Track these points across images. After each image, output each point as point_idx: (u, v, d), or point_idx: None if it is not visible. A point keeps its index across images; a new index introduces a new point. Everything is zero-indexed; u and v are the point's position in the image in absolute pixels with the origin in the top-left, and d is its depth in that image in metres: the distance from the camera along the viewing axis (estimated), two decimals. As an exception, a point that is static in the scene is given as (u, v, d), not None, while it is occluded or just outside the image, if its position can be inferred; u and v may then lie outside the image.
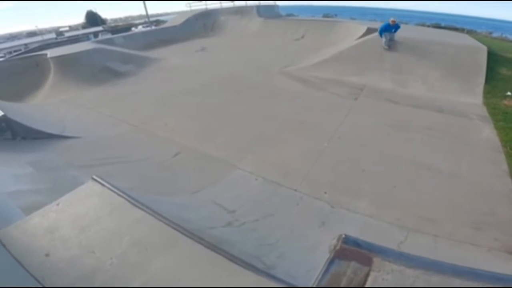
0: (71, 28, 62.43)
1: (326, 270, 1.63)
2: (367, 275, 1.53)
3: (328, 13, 26.90)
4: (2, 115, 4.90)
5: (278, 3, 20.05)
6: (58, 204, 2.58)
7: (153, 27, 23.05)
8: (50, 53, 10.48)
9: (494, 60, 8.33)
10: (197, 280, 1.88)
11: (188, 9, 21.74)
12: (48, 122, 6.02)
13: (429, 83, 7.28)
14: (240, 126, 5.61)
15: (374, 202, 3.49)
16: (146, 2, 30.16)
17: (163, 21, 25.33)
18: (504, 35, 20.83)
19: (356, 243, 1.75)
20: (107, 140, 5.48)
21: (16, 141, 4.95)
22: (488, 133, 5.10)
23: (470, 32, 17.43)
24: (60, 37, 37.12)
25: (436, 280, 1.43)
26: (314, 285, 1.55)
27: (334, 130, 5.17)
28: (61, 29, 59.26)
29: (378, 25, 12.91)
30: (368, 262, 1.60)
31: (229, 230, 3.12)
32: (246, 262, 1.97)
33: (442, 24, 21.88)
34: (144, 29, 22.96)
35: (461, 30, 18.53)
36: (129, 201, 2.46)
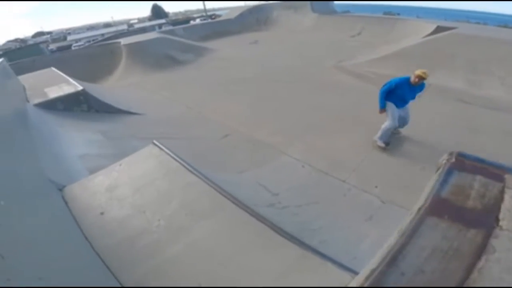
0: (139, 20, 68.90)
1: (444, 180, 1.32)
2: (502, 191, 1.22)
3: (390, 11, 24.99)
4: (81, 89, 5.60)
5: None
6: (120, 165, 2.80)
7: (209, 20, 24.09)
8: (123, 41, 11.70)
9: None
10: (240, 247, 1.86)
11: (243, 3, 22.25)
12: (117, 100, 6.73)
13: (509, 84, 6.34)
14: (290, 115, 5.59)
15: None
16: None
17: (219, 15, 26.32)
18: None
19: (477, 158, 1.41)
20: (165, 118, 5.94)
21: (90, 113, 5.59)
22: None
23: None
24: (131, 28, 41.19)
25: None
26: (427, 204, 1.28)
27: (392, 126, 4.82)
28: (131, 21, 65.64)
29: (448, 24, 11.31)
30: (499, 178, 1.27)
31: (272, 210, 3.09)
32: (292, 235, 1.90)
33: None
34: (201, 22, 24.14)
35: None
36: (183, 166, 2.56)
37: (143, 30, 25.78)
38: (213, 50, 12.36)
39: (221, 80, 8.27)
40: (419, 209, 1.27)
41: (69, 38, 47.04)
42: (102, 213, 2.20)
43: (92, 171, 2.87)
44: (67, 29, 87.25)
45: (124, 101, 6.70)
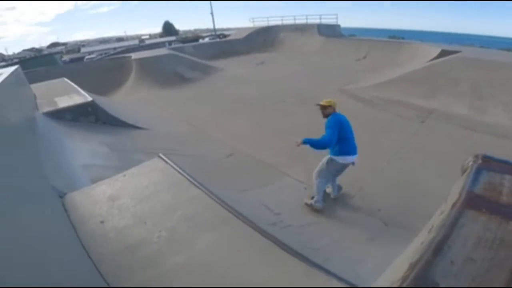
0: (151, 36, 70.96)
1: (475, 179, 1.29)
2: None
3: (395, 35, 25.47)
4: (91, 101, 5.69)
5: (340, 24, 19.72)
6: (125, 175, 2.81)
7: (218, 40, 24.76)
8: (134, 55, 12.08)
9: None
10: (243, 262, 1.84)
11: (251, 24, 22.91)
12: (125, 113, 6.85)
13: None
14: (294, 136, 5.54)
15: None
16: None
17: (227, 35, 27.11)
18: None
19: (502, 160, 1.42)
20: (170, 134, 6.01)
21: (97, 124, 5.67)
22: None
23: None
24: (142, 43, 42.40)
25: None
26: (462, 198, 1.26)
27: (396, 150, 4.82)
28: (142, 37, 67.72)
29: (453, 48, 11.21)
30: None
31: (274, 229, 3.06)
32: (298, 252, 1.87)
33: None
34: (210, 41, 24.80)
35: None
36: (188, 179, 2.57)
37: (154, 46, 26.56)
38: (220, 69, 12.65)
39: (227, 99, 8.42)
40: (454, 204, 1.23)
41: (82, 50, 48.26)
42: (102, 222, 2.19)
43: (95, 181, 2.90)
44: (81, 41, 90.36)
45: (131, 115, 6.82)
